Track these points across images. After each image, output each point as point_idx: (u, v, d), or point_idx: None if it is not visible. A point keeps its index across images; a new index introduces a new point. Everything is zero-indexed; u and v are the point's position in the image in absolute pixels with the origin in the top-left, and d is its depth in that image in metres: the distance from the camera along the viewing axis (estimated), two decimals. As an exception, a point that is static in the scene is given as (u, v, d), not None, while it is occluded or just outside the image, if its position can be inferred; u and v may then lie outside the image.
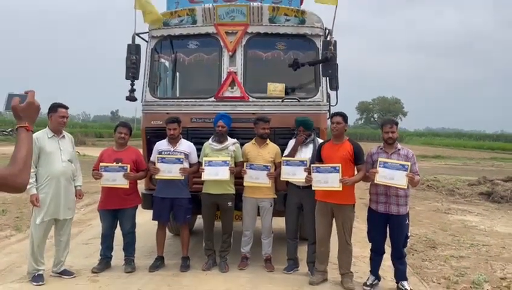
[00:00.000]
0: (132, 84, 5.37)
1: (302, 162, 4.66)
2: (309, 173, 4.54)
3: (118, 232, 5.01)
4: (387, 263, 4.71)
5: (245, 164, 4.86)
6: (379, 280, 4.60)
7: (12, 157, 1.60)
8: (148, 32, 5.51)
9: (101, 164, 4.75)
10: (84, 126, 56.44)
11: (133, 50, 5.31)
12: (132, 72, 5.29)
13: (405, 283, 4.42)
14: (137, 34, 5.44)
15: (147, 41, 5.55)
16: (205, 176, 4.77)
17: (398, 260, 4.48)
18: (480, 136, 67.85)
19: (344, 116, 4.58)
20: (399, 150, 4.45)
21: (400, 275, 4.47)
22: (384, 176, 4.28)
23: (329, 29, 5.21)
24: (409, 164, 4.25)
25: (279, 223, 5.59)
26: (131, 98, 5.40)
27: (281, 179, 4.74)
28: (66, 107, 4.58)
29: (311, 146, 4.82)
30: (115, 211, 4.87)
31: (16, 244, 5.87)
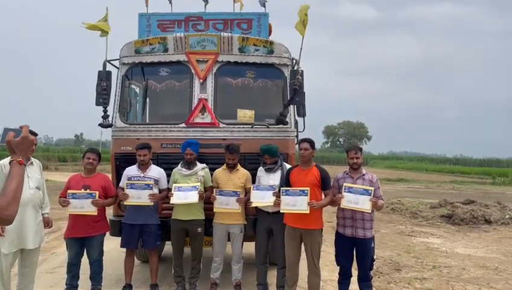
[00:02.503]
0: (105, 111, 5.35)
1: (271, 187, 4.77)
2: (278, 197, 4.65)
3: (85, 260, 4.91)
4: (354, 286, 4.83)
5: (214, 190, 4.92)
6: (347, 303, 4.70)
7: (2, 190, 1.65)
8: (119, 59, 5.56)
9: (69, 191, 4.68)
10: (46, 150, 54.64)
11: (104, 76, 5.34)
12: (103, 99, 5.30)
13: (371, 305, 4.55)
14: (109, 61, 5.48)
15: (117, 68, 5.59)
16: (174, 200, 4.79)
17: (364, 283, 4.61)
18: (441, 160, 70.51)
19: (311, 143, 4.75)
20: (364, 175, 4.64)
21: (367, 298, 4.60)
22: (350, 200, 4.45)
23: (296, 59, 5.43)
24: (372, 189, 4.44)
25: (249, 248, 5.64)
26: (105, 125, 5.36)
27: (250, 203, 4.81)
28: (35, 134, 4.50)
29: (279, 172, 4.94)
30: (82, 239, 4.78)
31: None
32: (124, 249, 5.04)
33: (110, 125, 5.36)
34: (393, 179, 29.86)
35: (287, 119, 5.35)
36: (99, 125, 5.34)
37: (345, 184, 4.52)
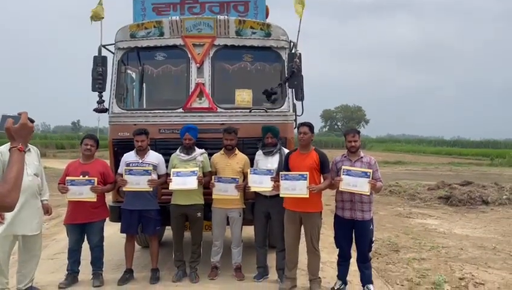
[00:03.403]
0: (100, 96, 5.33)
1: (269, 171, 4.77)
2: (276, 182, 4.65)
3: (85, 246, 4.93)
4: (353, 268, 4.86)
5: (213, 177, 4.91)
6: (346, 284, 4.75)
7: (3, 177, 1.65)
8: (114, 44, 5.50)
9: (67, 178, 4.67)
10: (44, 137, 54.39)
11: (100, 62, 5.28)
12: (99, 84, 5.26)
13: (370, 286, 4.60)
14: (104, 46, 5.42)
15: (113, 53, 5.53)
16: (173, 186, 4.79)
17: (364, 264, 4.65)
18: (438, 142, 70.57)
19: (311, 127, 4.74)
20: (362, 157, 4.64)
21: (366, 279, 4.64)
22: (348, 183, 4.46)
23: (294, 42, 5.38)
24: (370, 171, 4.45)
25: (248, 231, 5.67)
26: (100, 109, 5.34)
27: (248, 188, 4.82)
28: (32, 121, 4.47)
29: (277, 156, 4.93)
30: (82, 225, 4.80)
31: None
32: (124, 235, 5.06)
33: (104, 110, 5.32)
34: (391, 162, 29.96)
35: (286, 104, 5.32)
36: (94, 110, 5.31)
37: (343, 167, 4.53)
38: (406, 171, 23.52)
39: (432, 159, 37.43)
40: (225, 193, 4.85)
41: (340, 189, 4.51)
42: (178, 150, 4.96)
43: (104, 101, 5.33)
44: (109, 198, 5.30)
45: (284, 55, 5.38)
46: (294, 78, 5.20)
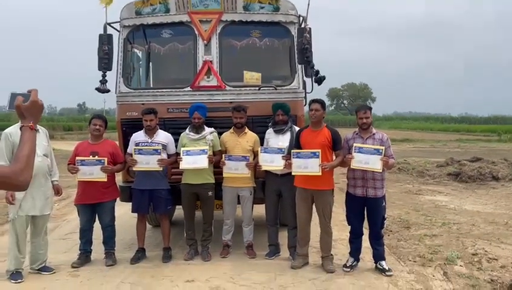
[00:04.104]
0: (104, 76, 5.26)
1: (280, 150, 4.71)
2: (287, 160, 4.60)
3: (97, 226, 4.94)
4: (365, 245, 4.83)
5: (223, 155, 4.87)
6: (358, 261, 4.74)
7: (15, 156, 1.61)
8: (119, 21, 5.39)
9: (77, 158, 4.65)
10: (50, 120, 54.73)
11: (105, 40, 5.19)
12: (104, 63, 5.18)
13: (383, 262, 4.58)
14: (109, 24, 5.31)
15: (118, 31, 5.43)
16: (183, 165, 4.75)
17: (376, 241, 4.63)
18: (445, 119, 70.15)
19: (322, 104, 4.65)
20: (374, 134, 4.57)
21: (378, 256, 4.62)
22: (360, 160, 4.39)
23: (303, 17, 5.24)
24: (382, 148, 4.37)
25: (259, 210, 5.65)
26: (102, 89, 5.27)
27: (260, 167, 4.77)
28: (39, 100, 4.44)
29: (288, 134, 4.86)
30: (93, 205, 4.80)
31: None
32: (135, 215, 5.06)
33: (107, 90, 5.25)
34: (398, 140, 29.75)
35: (296, 81, 5.22)
36: (96, 89, 5.23)
37: (354, 144, 4.46)
38: (414, 148, 23.40)
39: (440, 136, 37.18)
40: (236, 171, 4.81)
41: (351, 167, 4.45)
42: (187, 129, 4.91)
43: (107, 81, 5.25)
44: (119, 178, 5.28)
45: (293, 30, 5.25)
46: (304, 54, 5.08)
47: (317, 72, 5.11)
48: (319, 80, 5.14)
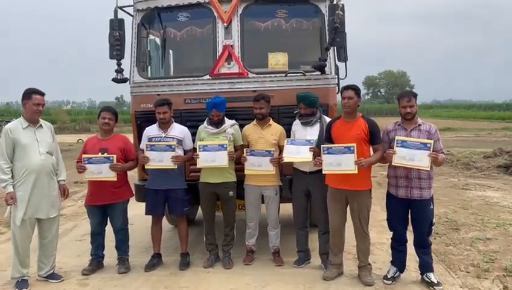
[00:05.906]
0: (119, 64, 4.85)
1: (308, 141, 4.12)
2: (315, 153, 4.01)
3: (110, 229, 4.53)
4: (409, 251, 4.18)
5: (245, 150, 4.33)
6: (401, 272, 4.10)
7: None
8: (133, 5, 4.94)
9: (84, 156, 4.23)
10: (89, 113, 56.25)
11: (116, 25, 4.78)
12: (117, 50, 4.76)
13: (431, 274, 3.92)
14: (120, 8, 4.90)
15: (132, 16, 4.99)
16: (200, 163, 4.26)
17: (422, 249, 3.97)
18: (489, 106, 66.70)
19: (357, 90, 4.00)
20: (419, 125, 3.90)
21: (425, 266, 3.97)
22: (403, 156, 3.74)
23: (335, -8, 4.60)
24: (431, 142, 3.71)
25: (288, 208, 5.07)
26: (118, 79, 4.87)
27: (284, 159, 4.20)
28: (42, 94, 4.05)
29: (317, 126, 4.26)
30: (104, 207, 4.38)
31: (4, 244, 5.44)
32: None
33: (124, 80, 4.83)
34: (439, 129, 28.21)
35: (327, 65, 4.61)
36: (113, 80, 4.83)
37: (397, 137, 3.80)
38: (457, 138, 22.18)
39: (484, 124, 35.24)
40: (259, 167, 4.27)
41: (393, 163, 3.80)
42: (206, 122, 4.41)
43: (123, 70, 4.85)
44: (134, 176, 4.86)
45: (324, 8, 4.64)
46: (336, 35, 4.44)
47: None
48: (320, 67, 4.51)
